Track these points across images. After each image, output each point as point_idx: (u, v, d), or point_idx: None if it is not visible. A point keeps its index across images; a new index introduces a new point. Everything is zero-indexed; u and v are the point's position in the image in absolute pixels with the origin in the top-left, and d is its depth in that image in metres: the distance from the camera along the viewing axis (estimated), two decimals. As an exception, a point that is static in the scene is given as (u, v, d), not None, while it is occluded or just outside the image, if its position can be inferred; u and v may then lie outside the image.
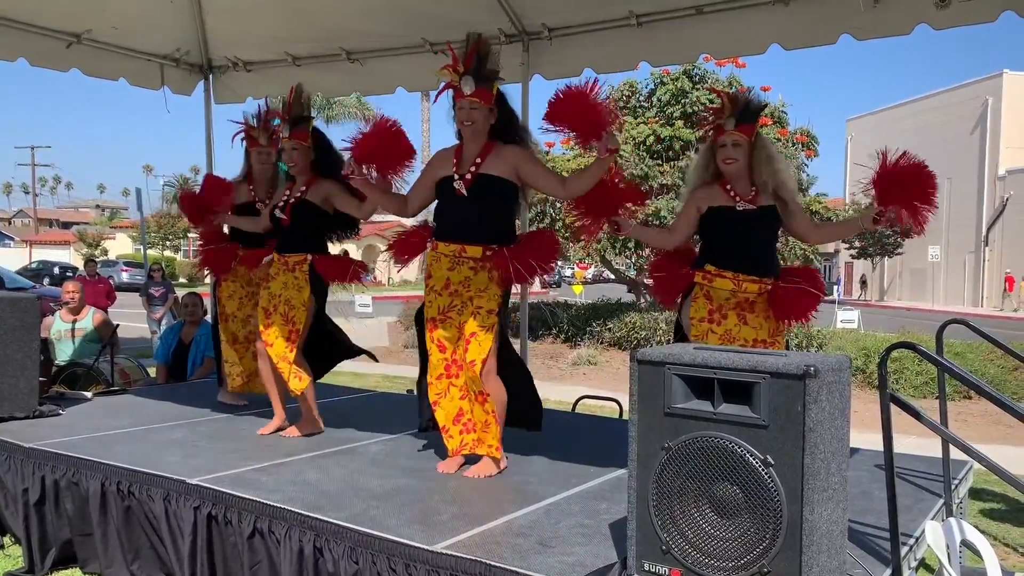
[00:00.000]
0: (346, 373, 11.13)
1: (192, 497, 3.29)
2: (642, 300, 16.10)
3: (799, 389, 2.04)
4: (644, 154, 14.29)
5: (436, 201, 3.78)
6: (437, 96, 3.88)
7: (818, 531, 2.06)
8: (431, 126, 33.93)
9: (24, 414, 4.53)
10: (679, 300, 3.78)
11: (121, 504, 3.56)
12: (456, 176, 3.62)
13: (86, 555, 3.82)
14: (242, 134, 5.00)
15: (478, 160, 3.61)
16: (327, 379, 8.14)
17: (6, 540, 4.22)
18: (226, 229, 5.14)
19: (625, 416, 4.56)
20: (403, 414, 4.95)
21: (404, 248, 3.86)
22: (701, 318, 3.63)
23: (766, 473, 2.08)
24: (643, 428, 2.30)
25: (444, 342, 3.66)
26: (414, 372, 4.83)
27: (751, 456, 2.10)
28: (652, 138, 14.26)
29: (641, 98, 15.86)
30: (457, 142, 3.74)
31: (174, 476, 3.40)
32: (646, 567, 2.25)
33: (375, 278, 43.21)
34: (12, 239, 53.96)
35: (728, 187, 3.66)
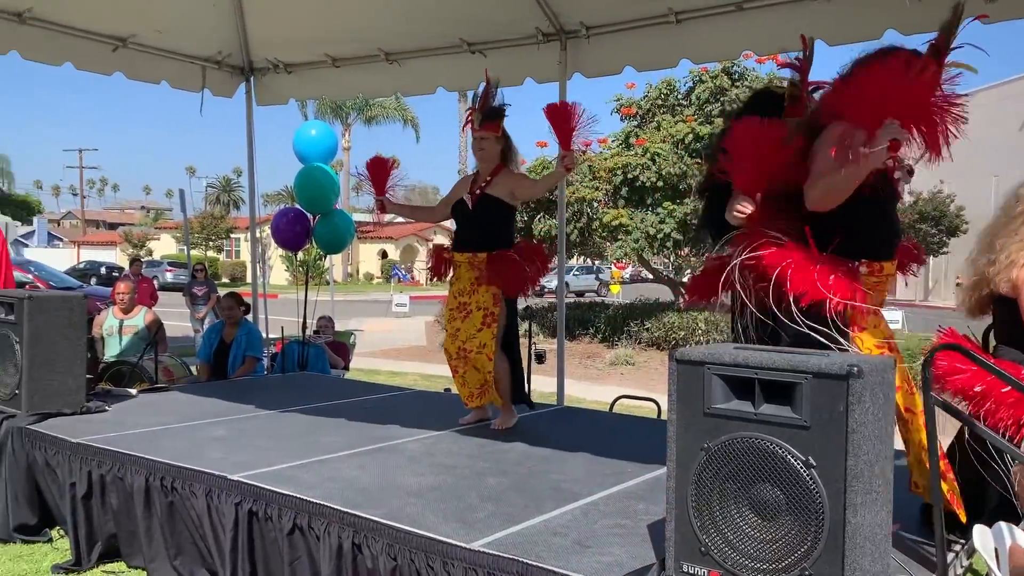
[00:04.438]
0: (384, 372, 11.23)
1: (233, 493, 3.33)
2: (680, 300, 15.98)
3: (842, 390, 2.01)
4: (683, 152, 14.19)
5: None
6: None
7: (861, 534, 2.02)
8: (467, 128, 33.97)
9: (72, 410, 4.62)
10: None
11: (164, 499, 3.63)
12: None
13: (130, 549, 3.89)
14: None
15: None
16: (366, 376, 8.21)
17: (55, 533, 4.32)
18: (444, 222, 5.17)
19: (663, 416, 4.53)
20: (440, 413, 4.97)
21: None
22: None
23: (808, 475, 2.04)
24: (682, 428, 2.27)
25: None
26: (450, 372, 4.84)
27: (792, 457, 2.07)
28: (691, 136, 14.15)
29: (679, 96, 15.75)
30: None
31: (216, 472, 3.45)
32: (684, 568, 2.23)
33: (412, 278, 43.49)
34: (61, 240, 55.20)
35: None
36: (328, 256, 17.57)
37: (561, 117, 4.21)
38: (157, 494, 3.65)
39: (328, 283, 19.38)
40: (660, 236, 13.82)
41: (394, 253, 46.44)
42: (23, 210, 55.70)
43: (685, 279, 16.77)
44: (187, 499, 3.53)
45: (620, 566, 2.46)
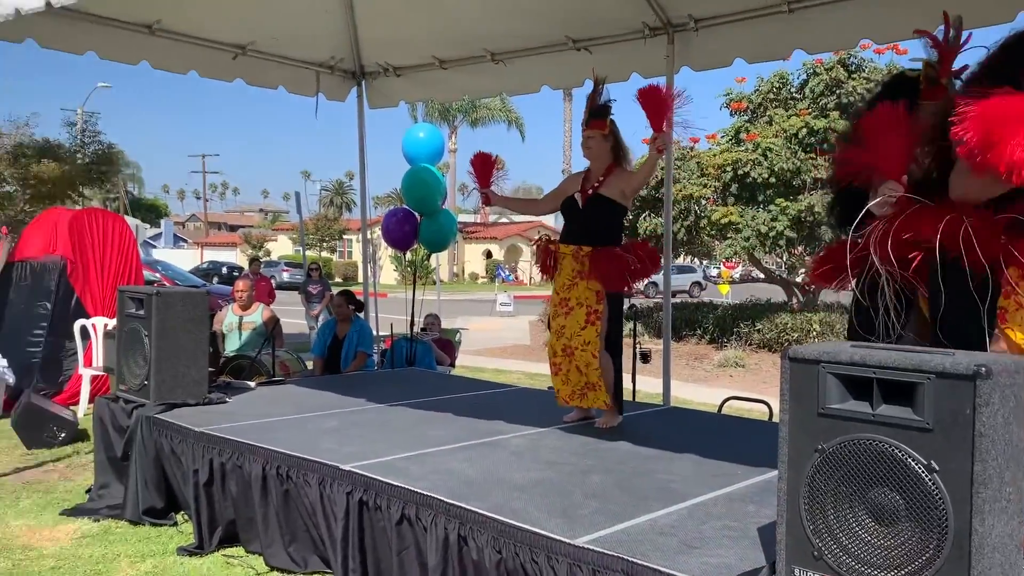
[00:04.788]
0: (489, 370, 11.33)
1: (344, 482, 3.43)
2: (794, 300, 15.49)
3: (968, 391, 1.90)
4: (796, 147, 13.74)
5: None
6: None
7: (989, 544, 1.91)
8: (572, 126, 33.86)
9: (195, 401, 4.87)
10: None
11: (280, 487, 3.77)
12: None
13: (248, 535, 4.06)
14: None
15: None
16: (471, 374, 8.31)
17: (179, 517, 4.56)
18: (548, 221, 5.17)
19: (775, 419, 4.40)
20: (545, 410, 4.97)
21: None
22: None
23: (930, 479, 1.94)
24: (794, 429, 2.20)
25: None
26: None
27: (913, 461, 1.97)
28: (804, 130, 13.69)
29: (792, 89, 15.28)
30: None
31: (328, 462, 3.56)
32: (796, 573, 2.16)
33: (516, 278, 43.77)
34: (185, 241, 58.29)
35: None
36: (434, 256, 17.89)
37: (653, 99, 4.16)
38: (273, 482, 3.80)
39: (435, 283, 19.71)
40: (772, 234, 13.42)
41: (498, 253, 46.89)
42: (152, 213, 59.16)
43: (799, 279, 16.24)
44: (301, 487, 3.66)
45: (728, 568, 2.40)
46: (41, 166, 22.16)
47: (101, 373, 7.31)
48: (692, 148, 15.05)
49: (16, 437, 6.30)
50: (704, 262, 29.82)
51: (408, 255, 9.38)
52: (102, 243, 8.62)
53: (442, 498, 3.05)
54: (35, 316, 8.17)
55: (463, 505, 2.97)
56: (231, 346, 7.34)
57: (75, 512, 4.71)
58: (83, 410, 7.13)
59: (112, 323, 6.18)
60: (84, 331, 7.69)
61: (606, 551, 2.53)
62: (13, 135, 22.69)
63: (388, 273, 36.68)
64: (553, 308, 4.52)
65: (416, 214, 7.40)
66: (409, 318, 7.51)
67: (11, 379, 7.66)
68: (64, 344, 8.01)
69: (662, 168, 7.43)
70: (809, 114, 14.02)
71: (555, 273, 4.54)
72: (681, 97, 4.20)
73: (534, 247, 4.74)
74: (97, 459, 4.97)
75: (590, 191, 4.43)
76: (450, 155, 42.73)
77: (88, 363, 7.59)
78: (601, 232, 4.41)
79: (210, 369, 5.18)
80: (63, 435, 6.32)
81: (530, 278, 44.05)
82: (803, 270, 15.93)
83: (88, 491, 5.01)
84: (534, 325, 17.92)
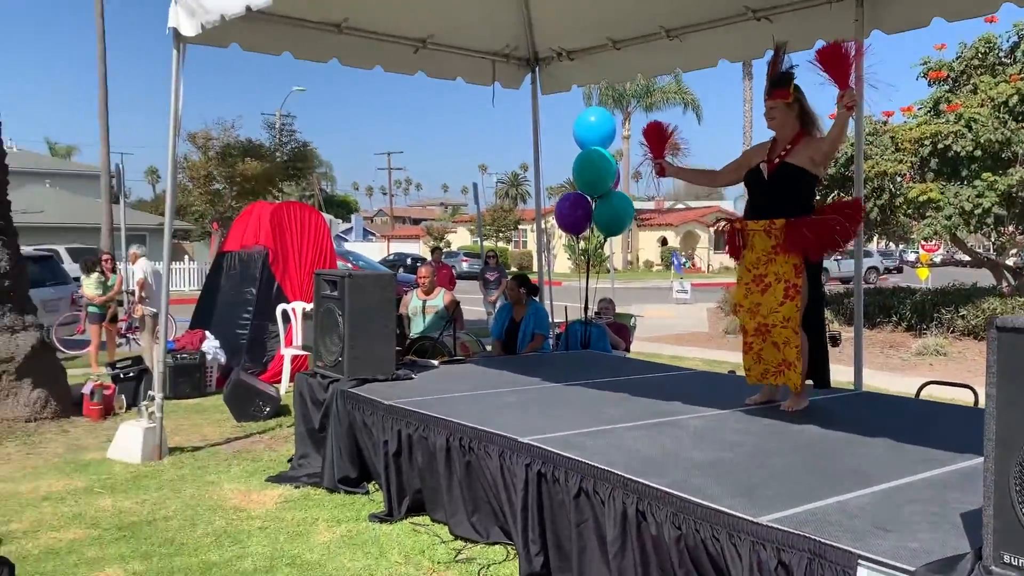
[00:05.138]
0: (665, 356, 11.17)
1: (523, 455, 3.50)
2: (1004, 284, 14.17)
3: None
4: (1005, 116, 12.54)
5: None
6: None
7: None
8: (753, 106, 32.53)
9: (384, 377, 5.13)
10: None
11: (463, 458, 3.90)
12: None
13: (434, 504, 4.23)
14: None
15: None
16: (650, 358, 8.22)
17: (371, 487, 4.82)
18: (727, 205, 5.01)
19: (980, 405, 4.05)
20: (725, 393, 4.84)
21: None
22: None
23: None
24: (1004, 405, 2.02)
25: None
26: (733, 357, 4.69)
27: None
28: (1016, 98, 12.45)
29: (1001, 54, 13.93)
30: None
31: (508, 435, 3.65)
32: (1006, 559, 1.98)
33: (693, 265, 42.79)
34: (374, 235, 61.41)
35: None
36: (608, 242, 17.82)
37: (833, 57, 3.90)
38: (456, 453, 3.94)
39: (608, 271, 19.64)
40: (978, 212, 12.28)
41: (674, 240, 46.01)
42: (343, 209, 62.92)
43: (1009, 261, 14.84)
44: (482, 459, 3.77)
45: (928, 553, 2.24)
46: (245, 164, 24.17)
47: (301, 353, 7.86)
48: (885, 122, 14.09)
49: (227, 411, 6.91)
50: (900, 246, 27.84)
51: (581, 243, 9.41)
52: (299, 234, 9.27)
53: (620, 472, 3.04)
54: (242, 301, 8.93)
55: (641, 480, 2.95)
56: (416, 328, 7.68)
57: (279, 479, 5.10)
58: (284, 387, 7.70)
59: (309, 307, 6.63)
60: (285, 314, 8.30)
61: (792, 530, 2.44)
62: (221, 137, 24.89)
63: (562, 262, 36.94)
64: (744, 286, 4.31)
65: (589, 198, 7.40)
66: (583, 303, 7.54)
67: (223, 359, 8.43)
68: (267, 327, 8.70)
69: (851, 143, 6.99)
70: (1021, 79, 12.73)
71: (744, 252, 4.35)
72: (865, 50, 3.96)
73: (715, 231, 4.56)
74: (297, 431, 5.35)
75: (776, 160, 4.21)
76: (623, 142, 42.40)
77: (288, 343, 8.19)
78: (790, 204, 4.14)
79: (397, 348, 5.43)
80: (267, 409, 6.87)
81: (707, 265, 42.96)
82: (1015, 251, 14.56)
83: (290, 460, 5.41)
84: (712, 312, 17.46)
